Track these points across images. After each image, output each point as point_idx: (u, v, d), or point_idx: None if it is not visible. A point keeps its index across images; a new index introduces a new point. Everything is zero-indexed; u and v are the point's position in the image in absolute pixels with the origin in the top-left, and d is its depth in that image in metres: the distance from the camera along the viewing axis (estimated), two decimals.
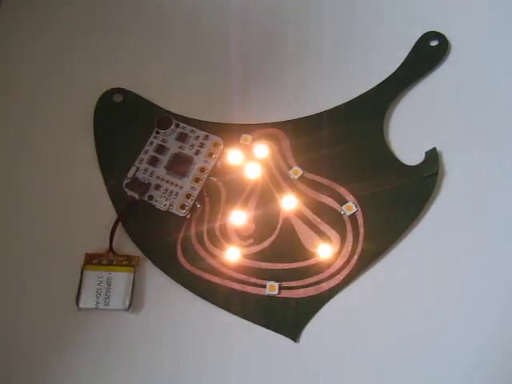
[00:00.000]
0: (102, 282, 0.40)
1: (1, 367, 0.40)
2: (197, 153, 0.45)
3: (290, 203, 0.43)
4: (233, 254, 0.42)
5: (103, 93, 0.47)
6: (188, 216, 0.43)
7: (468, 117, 0.46)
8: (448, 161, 0.44)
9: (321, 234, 0.42)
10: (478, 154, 0.44)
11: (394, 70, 0.47)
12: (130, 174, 0.44)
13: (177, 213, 0.43)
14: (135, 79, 0.48)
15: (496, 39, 0.49)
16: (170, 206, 0.43)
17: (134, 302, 0.40)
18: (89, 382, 0.39)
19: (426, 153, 0.44)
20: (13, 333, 0.40)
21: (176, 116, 0.46)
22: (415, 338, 0.39)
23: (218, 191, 0.44)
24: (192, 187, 0.44)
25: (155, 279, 0.41)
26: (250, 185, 0.44)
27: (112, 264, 0.41)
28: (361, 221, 0.42)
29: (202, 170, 0.44)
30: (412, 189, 0.43)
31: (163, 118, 0.45)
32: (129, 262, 0.41)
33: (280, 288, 0.41)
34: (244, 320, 0.40)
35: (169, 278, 0.41)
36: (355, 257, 0.41)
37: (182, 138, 0.45)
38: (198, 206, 0.43)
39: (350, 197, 0.43)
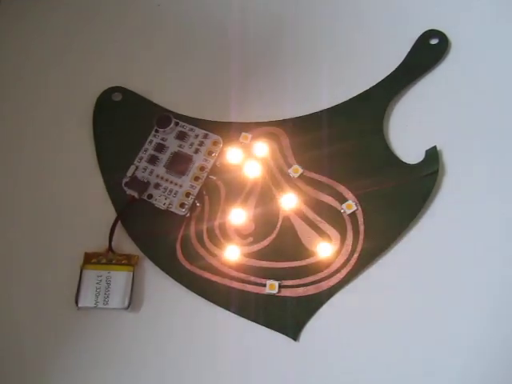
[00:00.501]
0: (101, 281, 0.40)
1: (0, 366, 0.40)
2: (196, 151, 0.45)
3: (289, 202, 0.43)
4: (232, 253, 0.41)
5: (102, 92, 0.47)
6: (187, 215, 0.43)
7: (468, 115, 0.46)
8: (448, 159, 0.44)
9: (321, 233, 0.42)
10: (478, 153, 0.44)
11: (394, 69, 0.47)
12: (130, 173, 0.44)
13: (176, 211, 0.43)
14: (134, 78, 0.48)
15: (496, 37, 0.48)
16: (170, 204, 0.43)
17: (134, 301, 0.40)
18: (88, 381, 0.39)
19: (426, 151, 0.44)
20: (12, 332, 0.40)
21: (175, 114, 0.46)
22: (415, 336, 0.39)
23: (217, 190, 0.44)
24: (191, 186, 0.43)
25: (154, 278, 0.41)
26: (250, 183, 0.44)
27: (111, 263, 0.41)
28: (361, 219, 0.42)
29: (202, 168, 0.44)
30: (412, 187, 0.43)
31: (162, 117, 0.45)
32: (128, 261, 0.41)
33: (280, 287, 0.40)
34: (243, 319, 0.40)
35: (168, 276, 0.41)
36: (355, 255, 0.41)
37: (182, 136, 0.45)
38: (198, 204, 0.43)
39: (349, 195, 0.43)
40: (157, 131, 0.45)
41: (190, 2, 0.52)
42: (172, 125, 0.45)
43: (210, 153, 0.45)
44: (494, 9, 0.50)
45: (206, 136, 0.45)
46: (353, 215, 0.42)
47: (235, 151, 0.45)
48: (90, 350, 0.40)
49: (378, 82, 0.46)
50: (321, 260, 0.41)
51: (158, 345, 0.40)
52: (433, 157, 0.43)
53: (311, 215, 0.42)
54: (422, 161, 0.43)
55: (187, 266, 0.41)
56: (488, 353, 0.39)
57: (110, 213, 0.43)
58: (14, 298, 0.41)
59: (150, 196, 0.43)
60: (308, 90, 0.48)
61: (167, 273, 0.41)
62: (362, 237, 0.41)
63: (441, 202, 0.43)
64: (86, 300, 0.40)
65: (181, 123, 0.46)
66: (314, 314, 0.40)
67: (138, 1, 0.52)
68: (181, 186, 0.44)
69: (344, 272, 0.41)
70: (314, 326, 0.40)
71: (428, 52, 0.48)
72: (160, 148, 0.45)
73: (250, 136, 0.45)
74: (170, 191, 0.43)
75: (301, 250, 0.41)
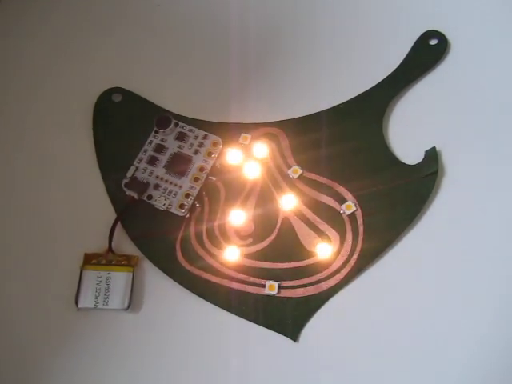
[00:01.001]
0: (101, 281, 0.40)
1: (0, 367, 0.40)
2: (196, 152, 0.45)
3: (289, 202, 0.43)
4: (232, 254, 0.41)
5: (102, 92, 0.47)
6: (187, 215, 0.43)
7: (468, 116, 0.46)
8: (447, 160, 0.44)
9: (320, 234, 0.42)
10: (477, 153, 0.44)
11: (393, 69, 0.47)
12: (129, 174, 0.44)
13: (176, 212, 0.43)
14: (134, 78, 0.48)
15: (496, 38, 0.48)
16: (169, 205, 0.43)
17: (133, 301, 0.40)
18: (88, 381, 0.39)
19: (426, 152, 0.44)
20: (12, 332, 0.40)
21: (175, 115, 0.46)
22: (414, 337, 0.39)
23: (217, 191, 0.44)
24: (191, 187, 0.44)
25: (154, 279, 0.41)
26: (249, 184, 0.44)
27: (111, 264, 0.41)
28: (360, 220, 0.42)
29: (201, 169, 0.44)
30: (411, 188, 0.43)
31: (162, 118, 0.45)
32: (128, 262, 0.41)
33: (279, 287, 0.40)
34: (243, 319, 0.40)
35: (168, 277, 0.41)
36: (354, 256, 0.41)
37: (181, 137, 0.45)
38: (197, 205, 0.43)
39: (349, 196, 0.43)
40: (156, 132, 0.45)
41: (190, 2, 0.52)
42: (172, 126, 0.45)
43: (209, 154, 0.45)
44: (493, 9, 0.50)
45: (205, 137, 0.45)
46: (352, 216, 0.42)
47: (235, 152, 0.45)
48: (90, 350, 0.40)
49: (377, 82, 0.46)
50: (320, 261, 0.41)
51: (158, 345, 0.40)
52: (432, 157, 0.43)
53: (311, 216, 0.42)
54: (422, 161, 0.43)
55: (187, 266, 0.41)
56: (489, 353, 0.39)
57: (110, 213, 0.43)
58: (14, 298, 0.41)
59: (150, 197, 0.43)
60: (308, 90, 0.48)
61: (167, 274, 0.41)
62: (361, 237, 0.41)
63: (440, 203, 0.43)
64: (86, 301, 0.40)
65: (180, 124, 0.46)
66: (314, 314, 0.40)
67: (138, 1, 0.52)
68: (180, 186, 0.44)
69: (343, 273, 0.41)
70: (314, 327, 0.40)
71: (428, 52, 0.48)
72: (160, 149, 0.45)
73: (249, 137, 0.45)
74: (170, 192, 0.43)
75: (300, 251, 0.41)
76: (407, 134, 0.45)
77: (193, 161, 0.44)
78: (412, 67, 0.47)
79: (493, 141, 0.45)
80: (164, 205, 0.43)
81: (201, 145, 0.45)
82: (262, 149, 0.45)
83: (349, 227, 0.42)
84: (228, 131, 0.45)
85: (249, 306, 0.40)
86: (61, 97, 0.48)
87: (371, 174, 0.43)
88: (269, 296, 0.40)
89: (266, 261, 0.41)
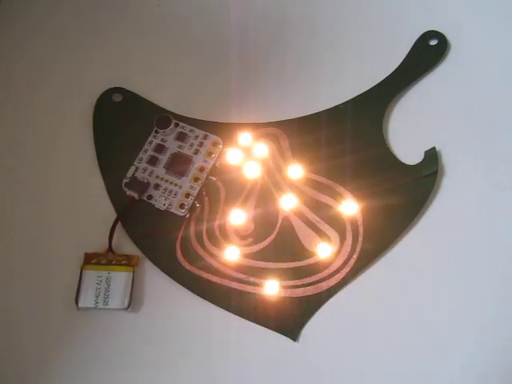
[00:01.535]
0: (101, 281, 0.40)
1: (0, 367, 0.40)
2: (196, 152, 0.45)
3: (289, 202, 0.43)
4: (232, 254, 0.41)
5: (102, 92, 0.47)
6: (187, 215, 0.43)
7: (467, 116, 0.46)
8: (447, 160, 0.44)
9: (320, 234, 0.42)
10: (477, 154, 0.44)
11: (393, 70, 0.47)
12: (130, 174, 0.44)
13: (176, 212, 0.43)
14: (134, 78, 0.48)
15: (496, 38, 0.48)
16: (170, 205, 0.43)
17: (134, 301, 0.40)
18: (88, 381, 0.39)
19: (426, 152, 0.44)
20: (12, 332, 0.40)
21: (175, 115, 0.46)
22: (414, 337, 0.39)
23: (217, 191, 0.44)
24: (191, 187, 0.44)
25: (154, 279, 0.41)
26: (250, 184, 0.44)
27: (111, 263, 0.41)
28: (360, 220, 0.42)
29: (202, 169, 0.44)
30: (411, 188, 0.43)
31: (162, 118, 0.45)
32: (128, 262, 0.41)
33: (279, 287, 0.41)
34: (243, 319, 0.40)
35: (168, 277, 0.41)
36: (354, 256, 0.41)
37: (182, 137, 0.45)
38: (198, 205, 0.43)
39: (349, 196, 0.43)
40: (157, 132, 0.45)
41: (190, 2, 0.52)
42: (172, 126, 0.45)
43: (209, 153, 0.45)
44: (493, 10, 0.50)
45: (205, 137, 0.45)
46: (352, 216, 0.42)
47: (235, 152, 0.45)
48: (90, 350, 0.40)
49: (377, 82, 0.47)
50: (320, 260, 0.41)
51: (158, 345, 0.40)
52: (432, 158, 0.43)
53: (311, 216, 0.42)
54: (422, 162, 0.43)
55: (187, 266, 0.41)
56: (488, 353, 0.39)
57: (110, 213, 0.43)
58: (14, 298, 0.41)
59: (150, 197, 0.43)
60: (308, 90, 0.48)
61: (167, 273, 0.41)
62: (361, 237, 0.42)
63: (440, 203, 0.43)
64: (86, 300, 0.40)
65: (181, 124, 0.46)
66: (314, 314, 0.40)
67: (137, 1, 0.52)
68: (180, 186, 0.44)
69: (343, 272, 0.41)
70: (314, 327, 0.40)
71: (427, 53, 0.48)
72: (160, 149, 0.45)
73: (249, 137, 0.45)
74: (170, 192, 0.43)
75: (300, 251, 0.41)
76: (407, 134, 0.45)
77: (193, 161, 0.44)
78: (412, 67, 0.47)
79: (492, 141, 0.45)
80: (164, 205, 0.43)
81: (201, 145, 0.45)
82: (262, 149, 0.45)
83: (349, 227, 0.42)
84: (228, 131, 0.45)
85: (249, 305, 0.40)
86: (61, 97, 0.48)
87: (371, 174, 0.43)
88: (269, 296, 0.40)
89: (265, 261, 0.41)
